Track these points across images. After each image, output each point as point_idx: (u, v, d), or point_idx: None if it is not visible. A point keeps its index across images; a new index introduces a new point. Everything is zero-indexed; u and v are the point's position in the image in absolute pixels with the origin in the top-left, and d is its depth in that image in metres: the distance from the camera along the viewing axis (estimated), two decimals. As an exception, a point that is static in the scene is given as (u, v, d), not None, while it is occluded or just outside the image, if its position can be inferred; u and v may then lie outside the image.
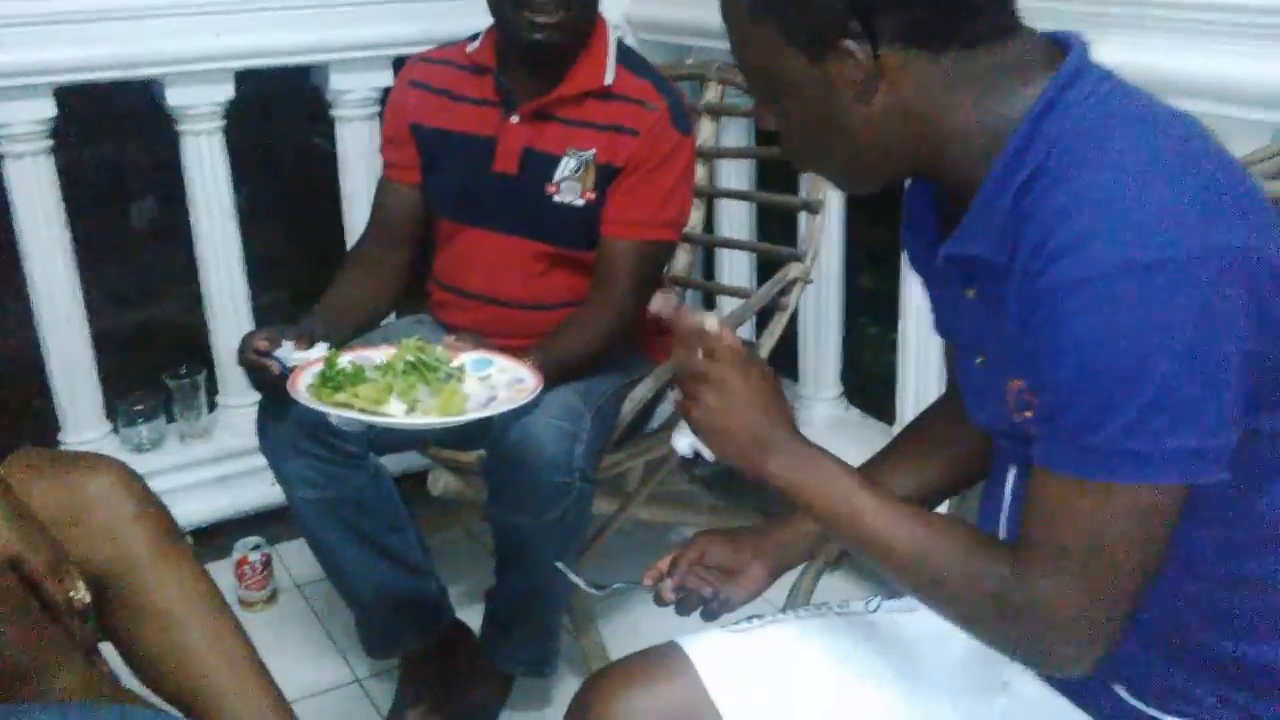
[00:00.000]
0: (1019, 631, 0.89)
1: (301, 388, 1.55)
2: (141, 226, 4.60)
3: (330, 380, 1.55)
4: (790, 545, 1.21)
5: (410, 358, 1.58)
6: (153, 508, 1.54)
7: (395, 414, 1.50)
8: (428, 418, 1.51)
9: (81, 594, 1.36)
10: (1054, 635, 0.88)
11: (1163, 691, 0.98)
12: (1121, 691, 1.00)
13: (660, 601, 1.15)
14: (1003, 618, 0.89)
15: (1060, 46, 0.91)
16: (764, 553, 1.19)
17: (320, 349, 1.65)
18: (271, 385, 1.69)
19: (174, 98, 2.17)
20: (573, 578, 1.25)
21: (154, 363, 3.04)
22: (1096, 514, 0.84)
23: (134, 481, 1.54)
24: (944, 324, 1.09)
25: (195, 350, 2.54)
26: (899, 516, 0.94)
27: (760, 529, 1.23)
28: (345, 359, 1.59)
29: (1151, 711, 0.99)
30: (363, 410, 1.50)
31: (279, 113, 3.10)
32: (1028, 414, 0.91)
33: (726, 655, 1.06)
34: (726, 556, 1.18)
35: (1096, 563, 0.85)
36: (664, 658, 1.06)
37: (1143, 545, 0.84)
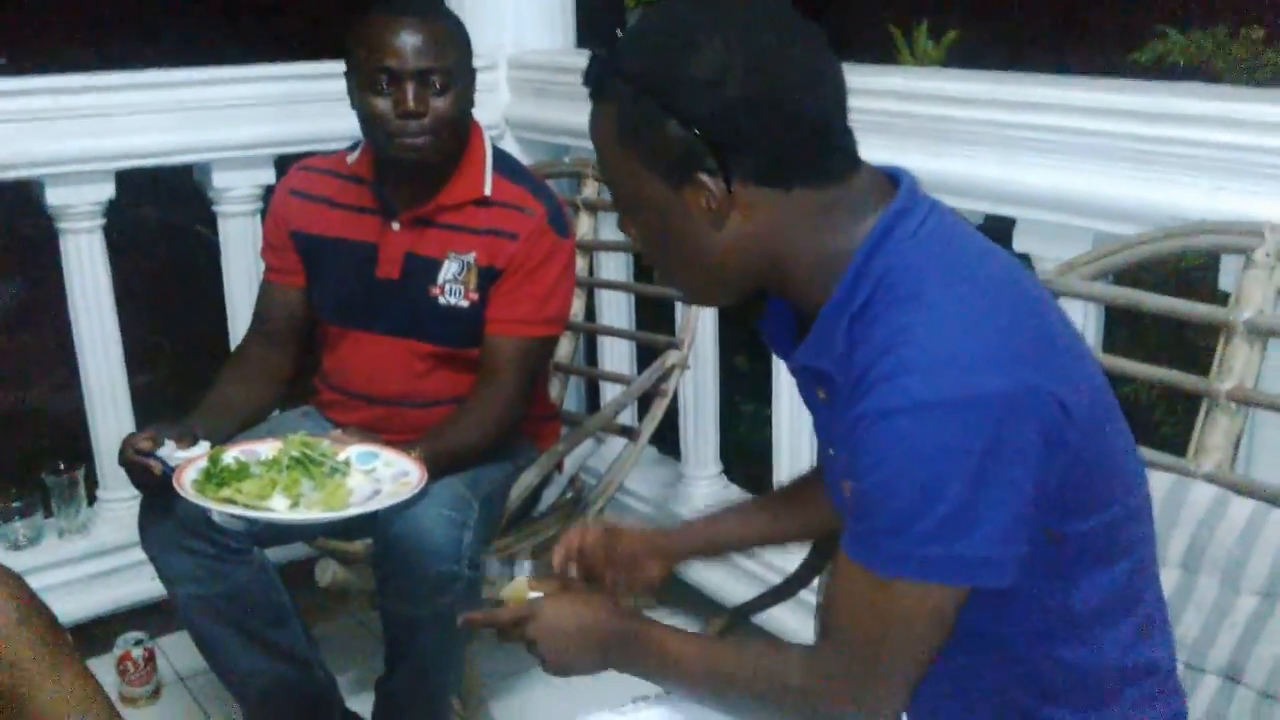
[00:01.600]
0: (808, 713, 1.03)
1: (186, 484, 1.57)
2: (5, 306, 4.49)
3: (214, 476, 1.58)
4: (685, 543, 1.42)
5: (295, 453, 1.62)
6: (36, 612, 1.53)
7: (279, 509, 1.53)
8: (311, 513, 1.54)
9: None
10: (836, 717, 1.01)
11: None
12: None
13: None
14: (796, 704, 1.03)
15: (893, 180, 1.03)
16: (658, 548, 1.38)
17: (202, 447, 1.68)
18: (153, 485, 1.70)
19: (53, 198, 2.18)
20: None
21: (25, 451, 2.98)
22: (884, 607, 0.96)
23: (17, 585, 1.53)
24: (809, 411, 1.19)
25: (70, 438, 2.50)
26: (719, 650, 1.13)
27: (658, 531, 1.42)
28: (231, 454, 1.61)
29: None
30: (246, 505, 1.53)
31: (160, 200, 3.11)
32: None
33: None
34: (625, 547, 1.35)
35: (878, 652, 0.97)
36: None
37: (921, 639, 0.97)
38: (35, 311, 4.47)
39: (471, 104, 1.88)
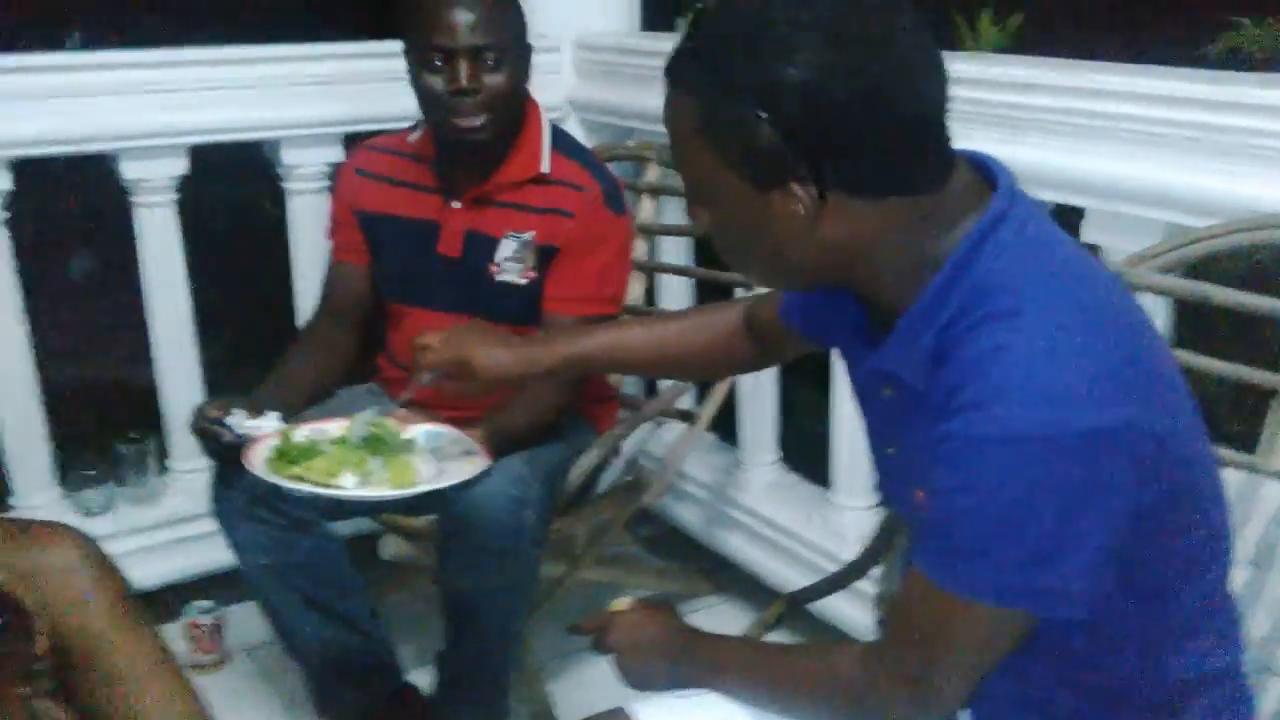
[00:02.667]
0: (856, 711, 1.04)
1: (258, 461, 1.60)
2: (79, 280, 4.59)
3: (285, 454, 1.61)
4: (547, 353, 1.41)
5: (366, 432, 1.65)
6: (110, 575, 1.58)
7: (347, 487, 1.56)
8: (379, 490, 1.57)
9: (43, 644, 1.41)
10: (882, 717, 1.02)
11: None
12: None
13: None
14: (848, 696, 1.04)
15: (987, 177, 0.98)
16: (511, 356, 1.40)
17: (271, 418, 1.71)
18: (223, 453, 1.74)
19: (129, 171, 2.23)
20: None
21: (99, 420, 3.05)
22: (951, 622, 0.95)
23: (92, 549, 1.58)
24: (860, 405, 1.18)
25: (142, 409, 2.56)
26: (771, 653, 1.16)
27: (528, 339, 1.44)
28: (301, 432, 1.64)
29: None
30: (316, 483, 1.55)
31: (230, 176, 3.16)
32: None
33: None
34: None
35: (938, 657, 0.97)
36: None
37: (979, 659, 0.96)
38: (106, 284, 4.58)
39: (527, 79, 1.89)
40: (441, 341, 1.43)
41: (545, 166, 1.90)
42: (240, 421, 1.71)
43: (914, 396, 0.99)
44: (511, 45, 1.82)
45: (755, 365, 1.46)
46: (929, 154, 0.94)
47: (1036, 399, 0.88)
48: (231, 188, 3.51)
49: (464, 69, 1.77)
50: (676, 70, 0.96)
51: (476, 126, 1.80)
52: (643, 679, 1.22)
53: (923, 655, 0.97)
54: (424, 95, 1.82)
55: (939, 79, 0.93)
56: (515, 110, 1.88)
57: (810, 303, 1.22)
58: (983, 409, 0.89)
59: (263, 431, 1.67)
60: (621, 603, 1.30)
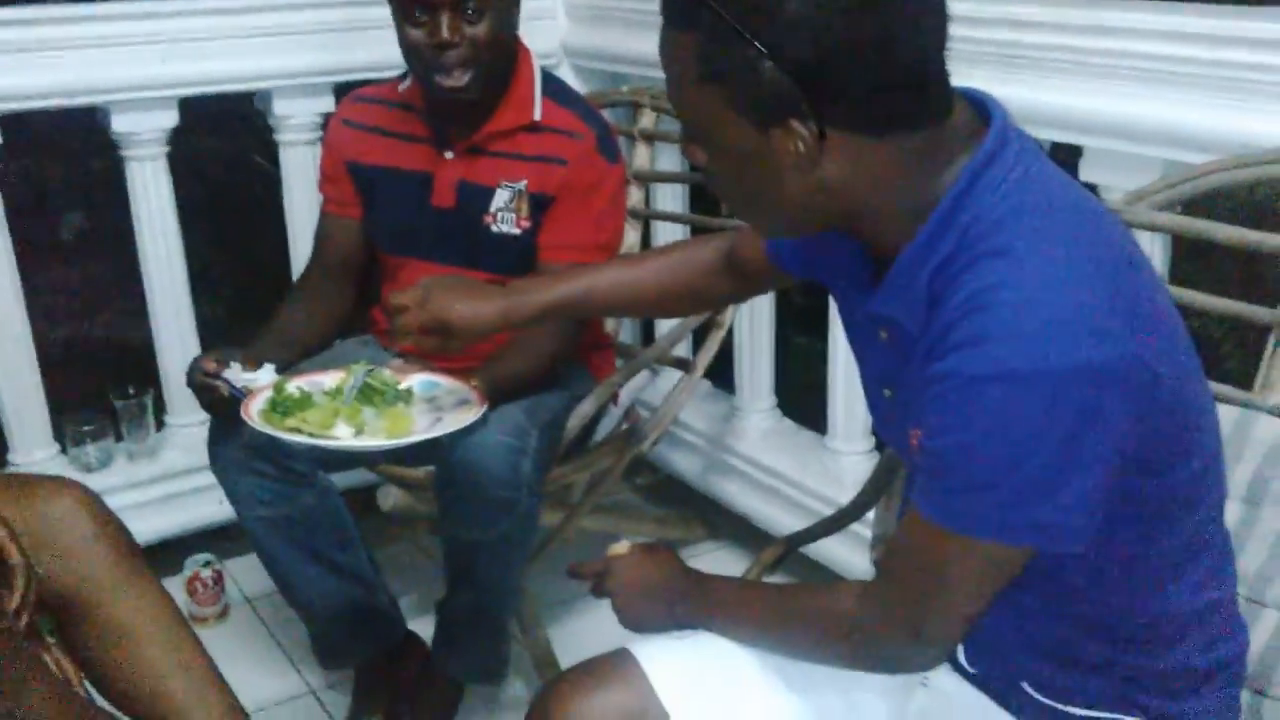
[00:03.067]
0: (854, 648, 1.06)
1: (253, 413, 1.60)
2: (69, 239, 4.58)
3: (279, 405, 1.61)
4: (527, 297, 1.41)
5: (360, 384, 1.65)
6: (112, 527, 1.59)
7: (343, 437, 1.56)
8: (375, 440, 1.57)
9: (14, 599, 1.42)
10: (882, 654, 1.05)
11: (1064, 689, 1.09)
12: (1027, 687, 1.11)
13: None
14: (848, 632, 1.05)
15: (982, 115, 0.97)
16: (491, 305, 1.40)
17: (267, 370, 1.71)
18: (220, 406, 1.74)
19: (119, 124, 2.21)
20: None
21: (95, 377, 3.05)
22: (949, 557, 0.96)
23: (93, 502, 1.59)
24: (855, 349, 1.18)
25: (137, 365, 2.56)
26: (770, 592, 1.18)
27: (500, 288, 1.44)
28: (294, 384, 1.64)
29: (1055, 704, 1.10)
30: (312, 435, 1.55)
31: (220, 130, 3.14)
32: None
33: (675, 660, 1.14)
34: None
35: (936, 592, 0.98)
36: (616, 664, 1.14)
37: (982, 587, 0.97)
38: (97, 243, 4.57)
39: (514, 28, 1.86)
40: (416, 302, 1.41)
41: (537, 114, 1.88)
42: (237, 374, 1.71)
43: (909, 339, 0.99)
44: None
45: (734, 299, 1.47)
46: (929, 91, 0.93)
47: (1031, 335, 0.87)
48: (220, 141, 3.50)
49: (445, 21, 1.73)
50: (676, 7, 0.94)
51: (461, 86, 1.78)
52: (642, 621, 1.23)
53: (921, 592, 0.98)
54: (407, 49, 1.80)
55: (940, 15, 0.92)
56: (502, 61, 1.85)
57: (803, 242, 1.22)
58: (977, 346, 0.89)
59: (259, 384, 1.67)
60: (620, 546, 1.31)
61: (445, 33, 1.74)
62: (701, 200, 2.56)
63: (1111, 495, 0.92)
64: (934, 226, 0.94)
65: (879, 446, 2.30)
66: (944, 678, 1.17)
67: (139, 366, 2.51)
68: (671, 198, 2.52)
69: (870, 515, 1.55)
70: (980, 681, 1.15)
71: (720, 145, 0.97)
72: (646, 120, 2.35)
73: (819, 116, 0.90)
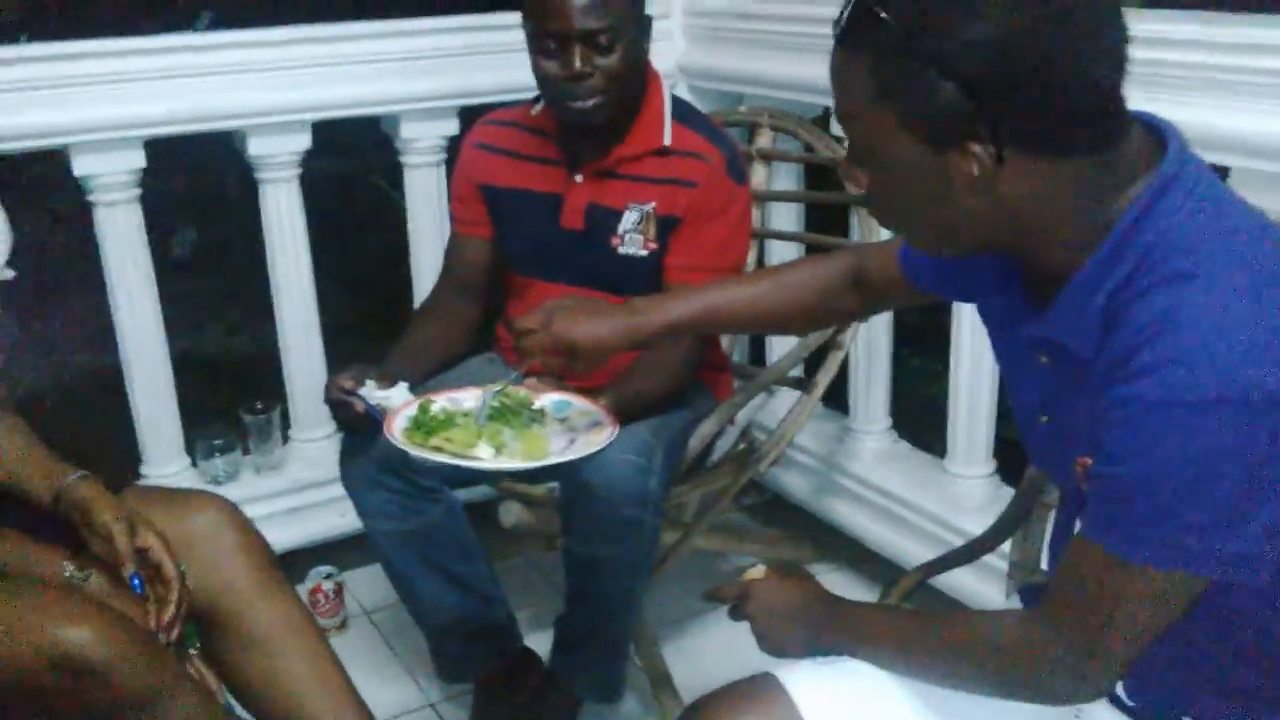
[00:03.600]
0: (1017, 678, 1.03)
1: (397, 432, 1.64)
2: (183, 256, 4.74)
3: (422, 425, 1.64)
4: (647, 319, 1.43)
5: (496, 403, 1.67)
6: (254, 540, 1.65)
7: (485, 458, 1.58)
8: (514, 461, 1.59)
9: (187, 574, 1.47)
10: (1050, 683, 1.01)
11: None
12: None
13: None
14: (1005, 667, 1.03)
15: (1157, 138, 0.96)
16: (615, 325, 1.42)
17: (401, 388, 1.74)
18: (356, 422, 1.78)
19: (255, 148, 2.28)
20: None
21: (215, 391, 3.15)
22: (1122, 588, 0.93)
23: (237, 515, 1.64)
24: (1008, 373, 1.17)
25: (260, 380, 2.62)
26: (924, 620, 1.14)
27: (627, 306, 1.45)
28: (438, 404, 1.67)
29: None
30: (455, 455, 1.58)
31: (337, 153, 3.22)
32: None
33: (822, 686, 1.13)
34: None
35: (1104, 628, 0.95)
36: (762, 688, 1.13)
37: (1153, 622, 0.94)
38: (205, 261, 4.72)
39: (645, 55, 1.88)
40: (540, 324, 1.44)
41: (667, 139, 1.90)
42: (371, 392, 1.75)
43: (1077, 363, 0.97)
44: (626, 25, 1.80)
45: (857, 318, 1.46)
46: (1107, 114, 0.92)
47: (1220, 360, 0.85)
48: (341, 165, 3.60)
49: (577, 53, 1.77)
50: (850, 29, 0.94)
51: (590, 108, 1.81)
52: (783, 646, 1.22)
53: (1093, 623, 0.96)
54: (540, 78, 1.84)
55: (1120, 38, 0.91)
56: (632, 88, 1.87)
57: (947, 261, 1.21)
58: (1161, 372, 0.87)
59: (392, 402, 1.70)
60: (756, 570, 1.30)
61: (578, 64, 1.77)
62: (816, 220, 2.56)
63: None
64: (1111, 249, 0.93)
65: (1001, 472, 2.26)
66: (1100, 711, 1.15)
67: (267, 381, 2.58)
68: (787, 217, 2.52)
69: (1006, 546, 1.52)
70: (1138, 715, 1.13)
71: (890, 167, 0.96)
72: (764, 140, 2.36)
73: (997, 138, 0.89)
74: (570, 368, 1.46)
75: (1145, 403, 0.88)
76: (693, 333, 1.53)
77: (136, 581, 1.43)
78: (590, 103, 1.81)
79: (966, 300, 1.27)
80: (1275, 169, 1.55)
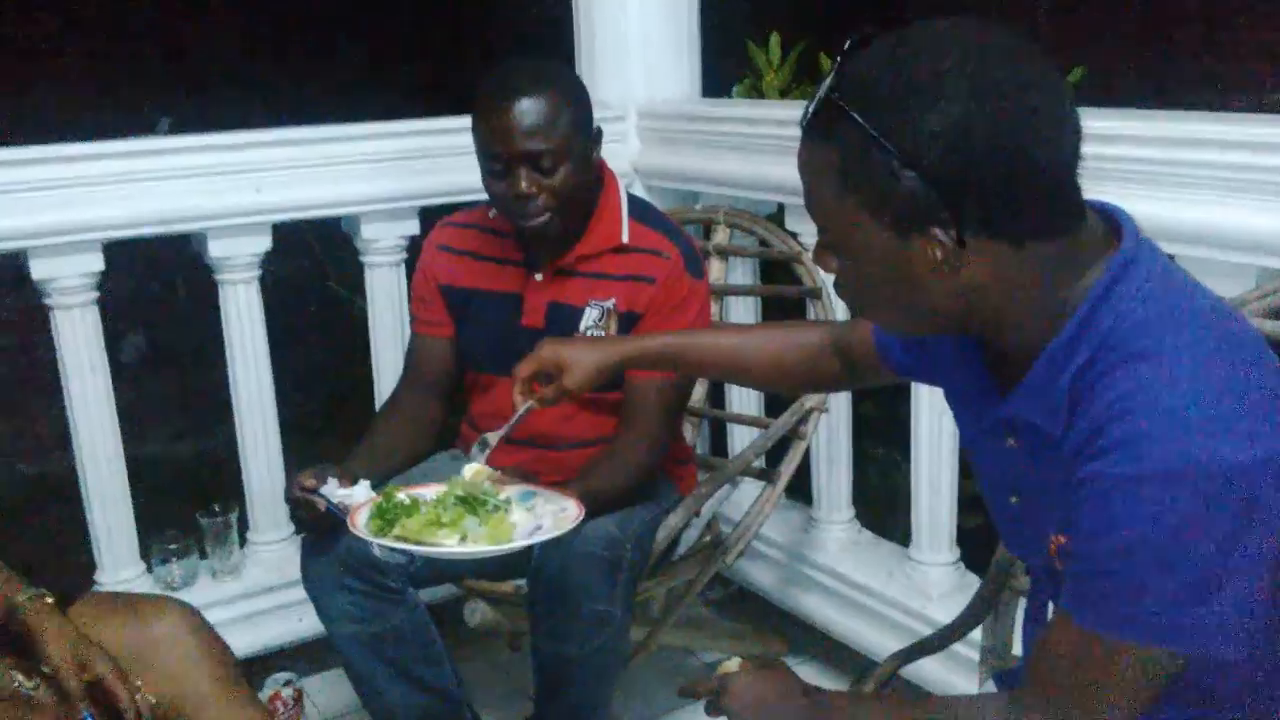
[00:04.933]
0: None
1: (360, 524, 1.63)
2: (131, 361, 4.70)
3: (385, 514, 1.63)
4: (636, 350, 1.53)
5: (460, 492, 1.67)
6: (216, 646, 1.61)
7: (448, 544, 1.58)
8: (479, 545, 1.58)
9: (144, 695, 1.43)
10: None
11: None
12: None
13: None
14: None
15: (1112, 225, 1.00)
16: (603, 345, 1.53)
17: (363, 486, 1.73)
18: (314, 523, 1.76)
19: (216, 249, 2.28)
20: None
21: (167, 496, 3.09)
22: (1102, 666, 0.94)
23: (197, 620, 1.61)
24: (976, 456, 1.18)
25: (212, 485, 2.57)
26: (906, 708, 1.14)
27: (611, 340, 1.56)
28: (402, 494, 1.67)
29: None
30: (419, 542, 1.57)
31: (290, 257, 3.24)
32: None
33: None
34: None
35: (1086, 707, 0.96)
36: None
37: (1134, 699, 0.95)
38: (154, 365, 4.69)
39: (592, 167, 1.90)
40: (528, 357, 1.55)
41: (624, 237, 1.93)
42: (333, 490, 1.73)
43: (1045, 442, 0.99)
44: (570, 144, 1.82)
45: (838, 386, 1.49)
46: (1064, 201, 0.96)
47: (1186, 435, 0.88)
48: (296, 265, 3.61)
49: (522, 175, 1.80)
50: (817, 121, 0.97)
51: (540, 225, 1.84)
52: None
53: (1076, 701, 0.96)
54: (490, 196, 1.87)
55: (1074, 126, 0.95)
56: (584, 198, 1.90)
57: (914, 346, 1.24)
58: (1130, 447, 0.89)
59: (355, 499, 1.69)
60: (730, 664, 1.29)
61: (523, 185, 1.80)
62: (774, 313, 2.60)
63: (1269, 598, 0.91)
64: (1074, 330, 0.95)
65: (965, 559, 2.28)
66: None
67: (223, 483, 2.54)
68: (744, 311, 2.56)
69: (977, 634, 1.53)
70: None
71: (858, 253, 0.99)
72: (720, 236, 2.41)
73: (959, 224, 0.93)
74: (558, 395, 1.55)
75: (1113, 479, 0.90)
76: (673, 364, 1.58)
77: (88, 717, 1.40)
78: (539, 220, 1.83)
79: (934, 384, 1.30)
80: (1218, 255, 1.60)
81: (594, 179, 1.93)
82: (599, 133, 1.92)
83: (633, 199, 2.01)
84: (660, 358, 1.51)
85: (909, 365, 1.27)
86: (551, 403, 1.58)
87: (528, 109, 1.78)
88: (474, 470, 1.67)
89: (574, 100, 1.86)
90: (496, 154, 1.80)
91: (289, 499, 1.80)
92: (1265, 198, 1.56)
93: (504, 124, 1.78)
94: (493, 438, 1.70)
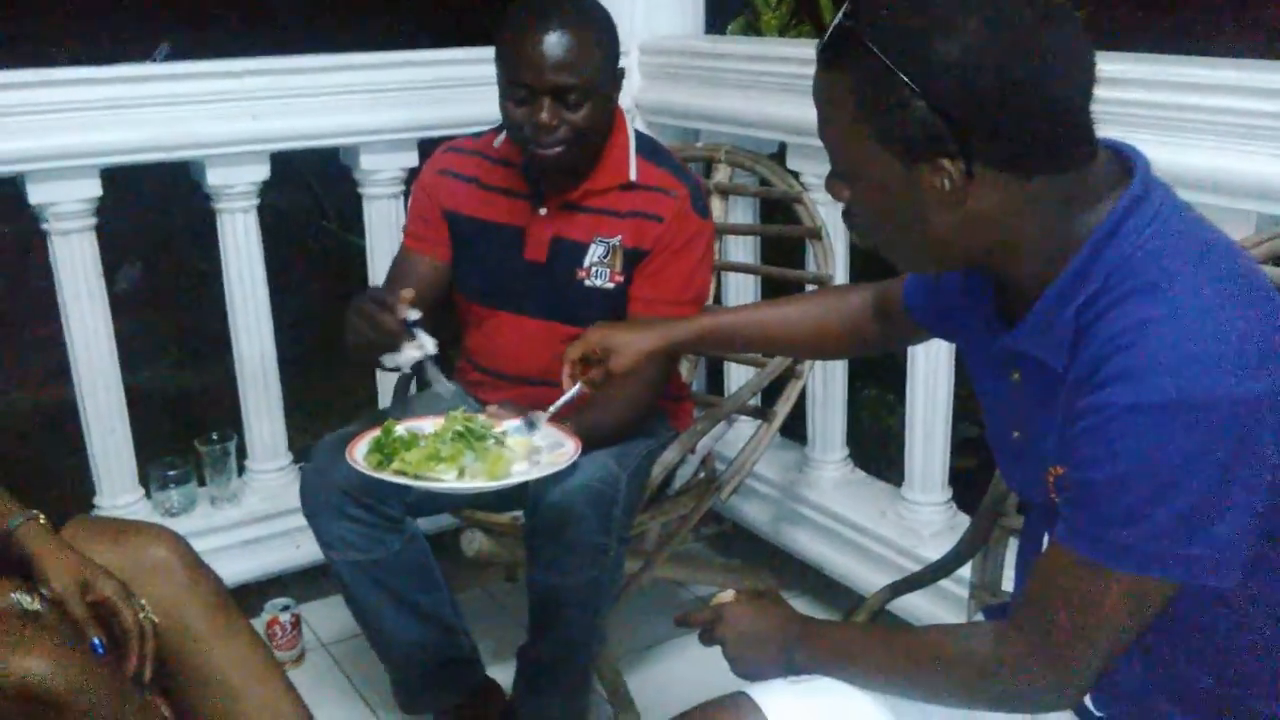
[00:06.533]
0: (992, 688, 1.05)
1: (358, 456, 1.64)
2: (125, 291, 4.69)
3: (384, 447, 1.65)
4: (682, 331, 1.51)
5: (459, 427, 1.68)
6: (206, 577, 1.61)
7: (447, 479, 1.59)
8: (476, 481, 1.60)
9: (149, 613, 1.44)
10: (1024, 692, 1.03)
11: None
12: None
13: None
14: (981, 676, 1.05)
15: (1125, 164, 1.01)
16: (652, 330, 1.51)
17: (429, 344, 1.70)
18: (381, 338, 1.68)
19: (214, 178, 2.28)
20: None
21: (165, 425, 3.11)
22: (1093, 594, 0.96)
23: (187, 552, 1.61)
24: (981, 391, 1.20)
25: (209, 415, 2.57)
26: (897, 635, 1.16)
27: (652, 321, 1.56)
28: (400, 427, 1.68)
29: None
30: (416, 476, 1.59)
31: (285, 192, 3.22)
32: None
33: (797, 704, 1.14)
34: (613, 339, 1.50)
35: (1077, 634, 0.98)
36: (736, 708, 1.14)
37: (1124, 627, 0.97)
38: (150, 296, 4.68)
39: (613, 106, 1.89)
40: (577, 340, 1.52)
41: (633, 174, 1.92)
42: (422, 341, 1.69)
43: (1047, 377, 1.00)
44: (597, 82, 1.81)
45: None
46: (1074, 135, 0.97)
47: (1187, 367, 0.89)
48: (289, 204, 3.59)
49: (545, 106, 1.78)
50: (832, 49, 0.98)
51: (553, 156, 1.82)
52: (756, 668, 1.23)
53: (1067, 629, 0.98)
54: (507, 121, 1.84)
55: (1087, 63, 0.96)
56: (598, 137, 1.88)
57: (933, 292, 1.25)
58: (1130, 379, 0.91)
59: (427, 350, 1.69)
60: (726, 594, 1.31)
61: (545, 115, 1.78)
62: (772, 253, 2.60)
63: (1258, 532, 0.93)
64: (1080, 264, 0.97)
65: (957, 499, 2.30)
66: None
67: (214, 415, 2.55)
68: (744, 250, 2.56)
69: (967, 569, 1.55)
70: (1106, 724, 1.15)
71: (868, 182, 1.00)
72: (721, 175, 2.40)
73: (967, 155, 0.94)
74: (605, 380, 1.53)
75: (1114, 408, 0.91)
76: (725, 344, 1.57)
77: (97, 643, 1.41)
78: (553, 151, 1.81)
79: (951, 335, 1.31)
80: (1219, 202, 1.60)
81: (611, 118, 1.91)
82: (622, 73, 1.90)
83: (640, 136, 2.00)
84: (706, 340, 1.51)
85: (930, 316, 1.28)
86: (600, 386, 1.56)
87: (562, 42, 1.76)
88: (520, 442, 1.67)
89: (607, 39, 1.85)
90: (523, 81, 1.78)
91: (361, 304, 1.71)
92: (1265, 144, 1.56)
93: (535, 54, 1.76)
94: (539, 418, 1.69)
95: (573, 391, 1.57)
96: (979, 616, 1.43)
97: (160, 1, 5.24)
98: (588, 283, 1.93)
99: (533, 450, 1.68)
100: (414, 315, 1.68)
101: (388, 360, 1.71)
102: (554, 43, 1.76)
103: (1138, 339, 0.92)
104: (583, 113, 1.81)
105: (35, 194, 2.14)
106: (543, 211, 1.95)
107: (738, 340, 1.51)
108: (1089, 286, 0.96)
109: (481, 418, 1.73)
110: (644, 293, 1.92)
